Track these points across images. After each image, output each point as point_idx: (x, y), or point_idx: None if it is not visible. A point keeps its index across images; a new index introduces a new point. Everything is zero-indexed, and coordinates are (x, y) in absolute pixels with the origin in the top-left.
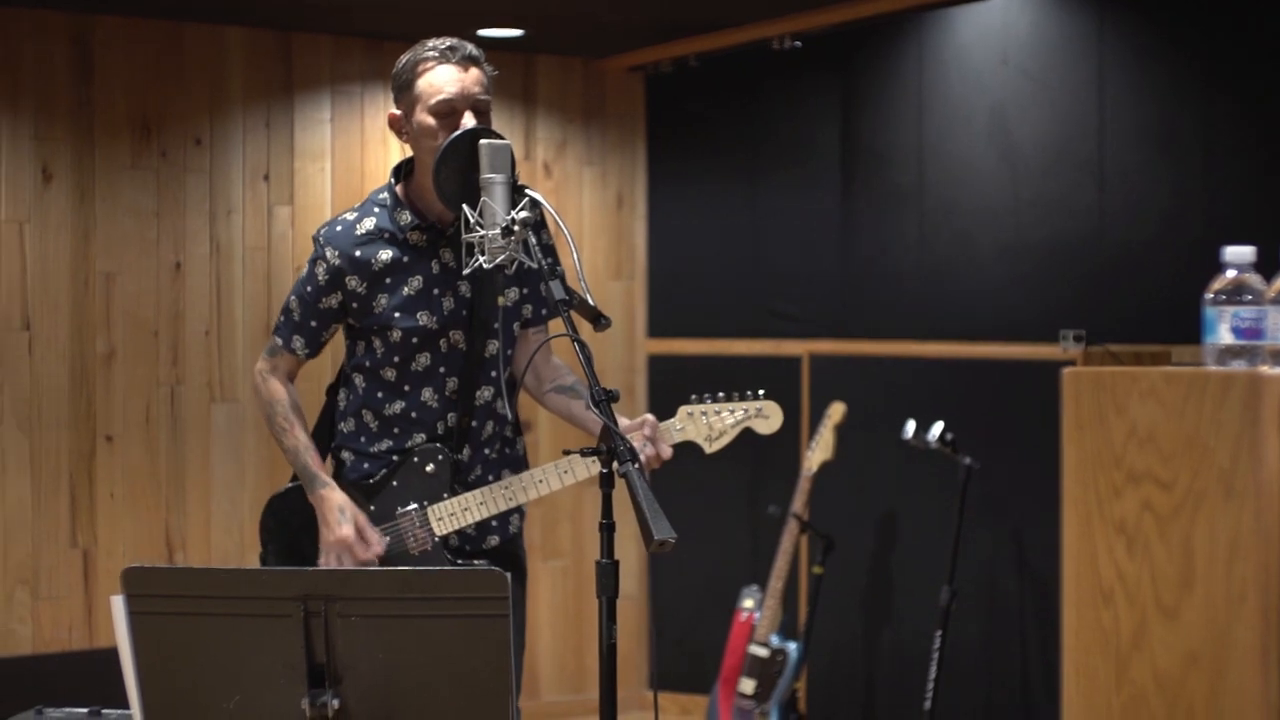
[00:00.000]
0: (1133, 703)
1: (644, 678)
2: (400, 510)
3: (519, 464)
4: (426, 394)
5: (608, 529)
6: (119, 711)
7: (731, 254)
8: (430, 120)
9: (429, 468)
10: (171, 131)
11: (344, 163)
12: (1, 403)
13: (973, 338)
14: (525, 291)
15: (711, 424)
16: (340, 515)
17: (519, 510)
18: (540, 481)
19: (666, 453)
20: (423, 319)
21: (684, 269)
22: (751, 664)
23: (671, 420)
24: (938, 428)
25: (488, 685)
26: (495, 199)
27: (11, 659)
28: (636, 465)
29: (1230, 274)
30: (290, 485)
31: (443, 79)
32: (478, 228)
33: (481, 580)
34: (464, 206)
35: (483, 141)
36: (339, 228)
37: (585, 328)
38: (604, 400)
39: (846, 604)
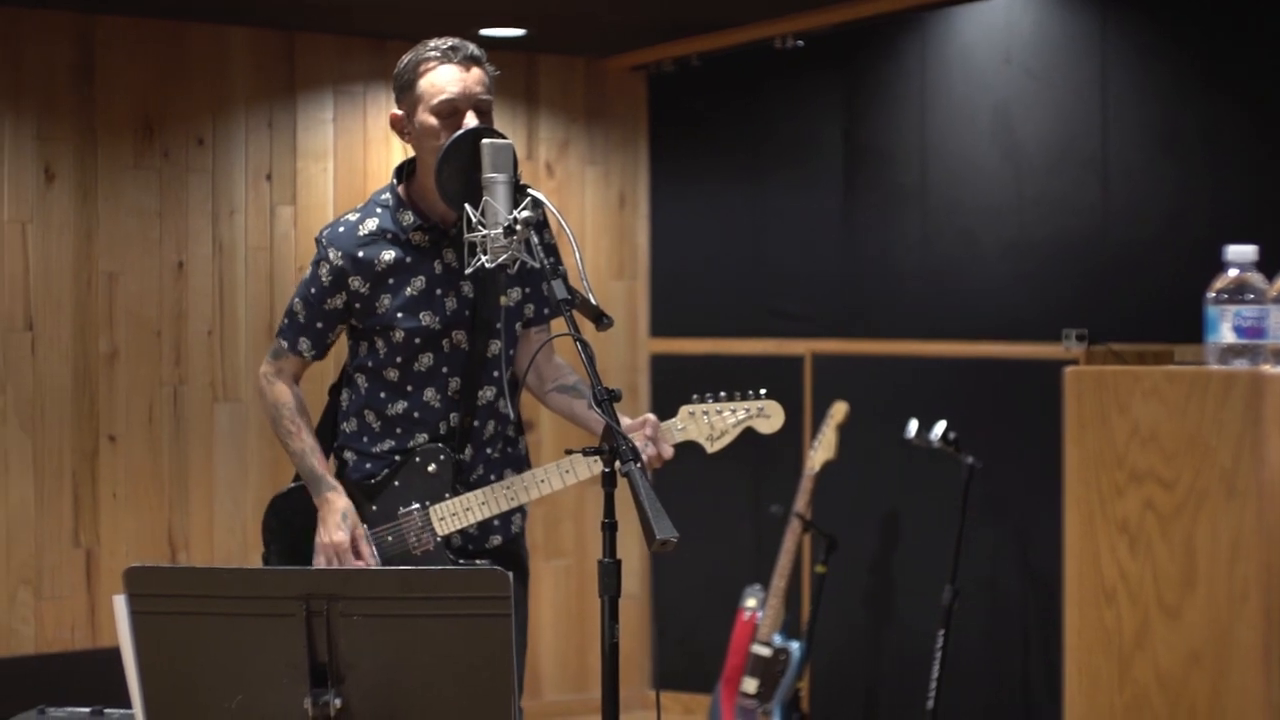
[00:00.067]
0: (1135, 702)
1: (647, 677)
2: (402, 510)
3: (521, 463)
4: (429, 394)
5: (610, 528)
6: (121, 711)
7: (734, 253)
8: (432, 120)
9: (431, 468)
10: (174, 131)
11: (347, 162)
12: (4, 402)
13: (975, 337)
14: (527, 291)
15: (713, 423)
16: (341, 520)
17: (521, 510)
18: (542, 481)
19: (668, 452)
20: (425, 319)
21: (686, 268)
22: (754, 663)
23: (673, 420)
24: (940, 427)
25: (490, 684)
26: (497, 198)
27: (14, 659)
28: (638, 464)
29: (1232, 273)
30: (293, 485)
31: (445, 79)
32: (480, 227)
33: (483, 580)
34: (466, 206)
35: (485, 141)
36: (342, 229)
37: (587, 327)
38: (606, 400)
39: (849, 603)
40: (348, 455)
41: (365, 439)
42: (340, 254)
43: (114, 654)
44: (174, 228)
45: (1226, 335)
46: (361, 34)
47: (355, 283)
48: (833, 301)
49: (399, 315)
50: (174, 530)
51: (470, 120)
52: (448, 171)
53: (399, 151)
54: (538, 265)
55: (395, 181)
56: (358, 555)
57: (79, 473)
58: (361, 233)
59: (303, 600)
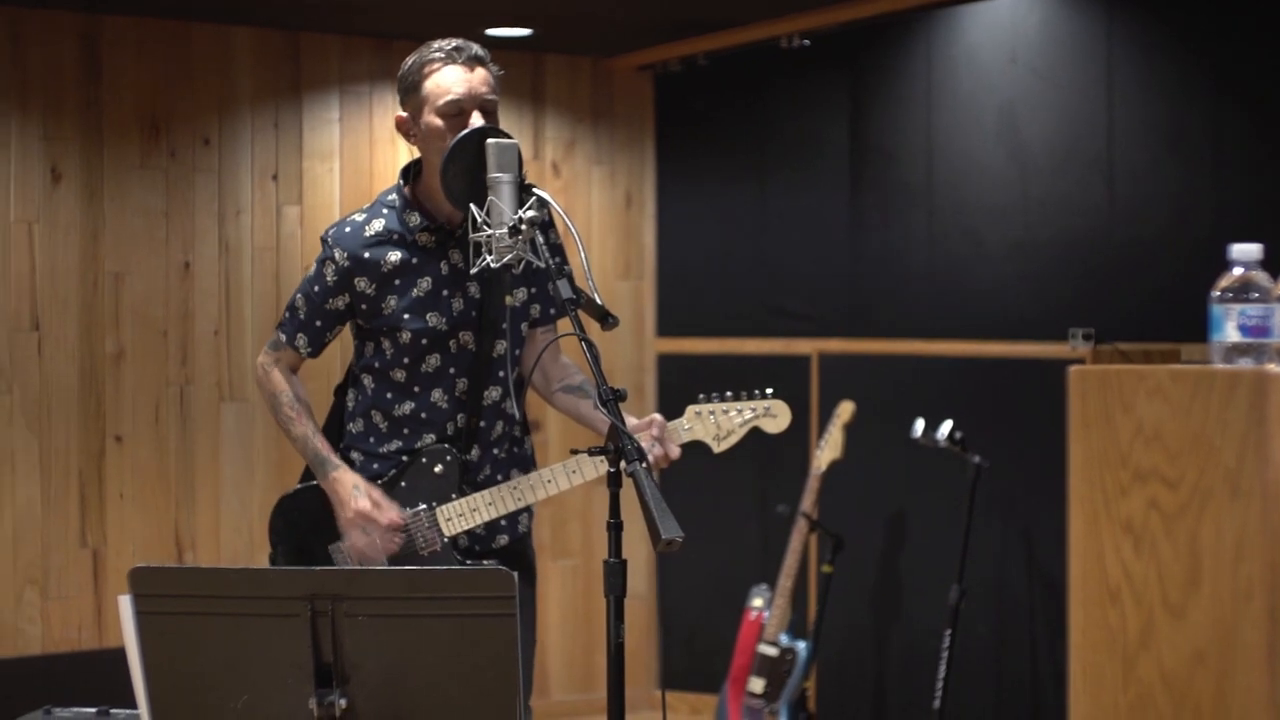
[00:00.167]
0: (1139, 701)
1: (654, 677)
2: (409, 511)
3: (527, 463)
4: (436, 395)
5: (616, 528)
6: (127, 711)
7: (741, 253)
8: (438, 121)
9: (437, 468)
10: (180, 131)
11: (352, 162)
12: (11, 403)
13: (982, 336)
14: (533, 291)
15: (719, 423)
16: (355, 491)
17: (528, 510)
18: (549, 481)
19: (675, 452)
20: (432, 320)
21: (693, 268)
22: (761, 663)
23: (679, 420)
24: (947, 426)
25: (495, 685)
26: (502, 198)
27: (21, 659)
28: (644, 464)
29: (1237, 271)
30: (299, 487)
31: (449, 80)
32: (485, 227)
33: (488, 580)
34: (471, 206)
35: (490, 141)
36: (348, 229)
37: (593, 327)
38: (611, 399)
39: (856, 603)
40: (354, 456)
41: (372, 439)
42: (346, 254)
43: (120, 654)
44: (180, 228)
45: (1231, 334)
46: (367, 34)
47: (361, 283)
48: (839, 301)
49: (405, 316)
50: (180, 530)
51: (476, 120)
52: (453, 172)
53: (404, 151)
54: (543, 265)
55: (402, 182)
56: (383, 513)
57: (85, 473)
58: (368, 233)
59: (308, 600)
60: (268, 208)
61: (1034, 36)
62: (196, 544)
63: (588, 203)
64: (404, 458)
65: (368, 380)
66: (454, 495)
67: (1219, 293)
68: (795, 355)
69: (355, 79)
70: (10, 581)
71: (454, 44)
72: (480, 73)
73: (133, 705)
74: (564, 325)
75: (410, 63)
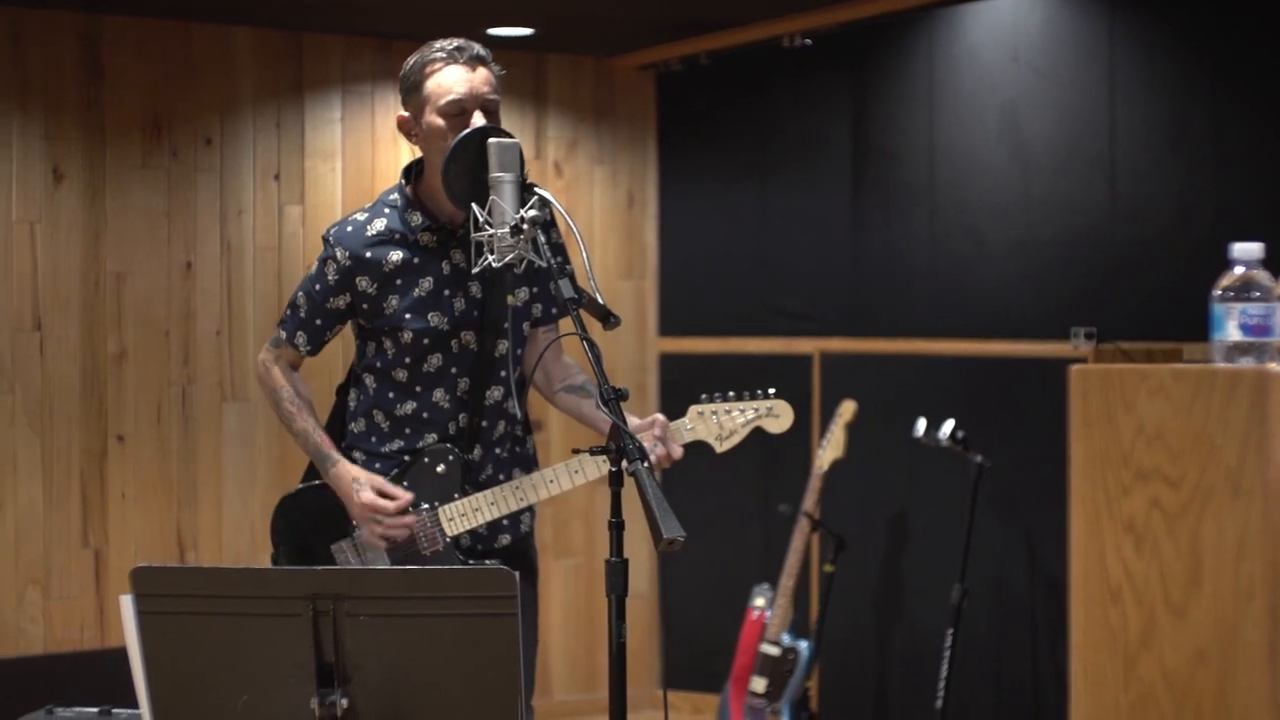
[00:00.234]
0: (1141, 701)
1: (656, 676)
2: (412, 511)
3: (529, 463)
4: (438, 394)
5: (617, 527)
6: (129, 711)
7: (742, 252)
8: (439, 121)
9: (440, 468)
10: (182, 131)
11: (354, 162)
12: (13, 403)
13: (984, 335)
14: (535, 290)
15: (722, 423)
16: (356, 484)
17: (530, 509)
18: (551, 481)
19: (677, 452)
20: (434, 320)
21: (695, 267)
22: (763, 663)
23: (682, 420)
24: (949, 426)
25: (496, 684)
26: (504, 198)
27: (23, 659)
28: (645, 464)
29: (1238, 270)
30: (301, 486)
31: (451, 79)
32: (487, 226)
33: (489, 579)
34: (473, 206)
35: (491, 140)
36: (349, 228)
37: (595, 326)
38: (613, 399)
39: (858, 602)
40: (356, 455)
41: (374, 439)
42: (347, 254)
43: (123, 654)
44: (182, 228)
45: (1232, 333)
46: (369, 34)
47: (362, 283)
48: (841, 300)
49: (407, 316)
50: (183, 530)
51: (477, 120)
52: (455, 171)
53: (407, 151)
54: (545, 264)
55: (403, 182)
56: (393, 498)
57: (87, 473)
58: (369, 233)
59: (309, 600)
60: (269, 207)
61: (1036, 36)
62: (198, 544)
63: (590, 202)
64: (406, 457)
65: (370, 380)
66: (456, 495)
67: (1220, 292)
68: (797, 355)
69: (357, 79)
70: (12, 581)
71: (456, 44)
72: (482, 72)
73: (135, 705)
74: (566, 325)
75: (412, 62)
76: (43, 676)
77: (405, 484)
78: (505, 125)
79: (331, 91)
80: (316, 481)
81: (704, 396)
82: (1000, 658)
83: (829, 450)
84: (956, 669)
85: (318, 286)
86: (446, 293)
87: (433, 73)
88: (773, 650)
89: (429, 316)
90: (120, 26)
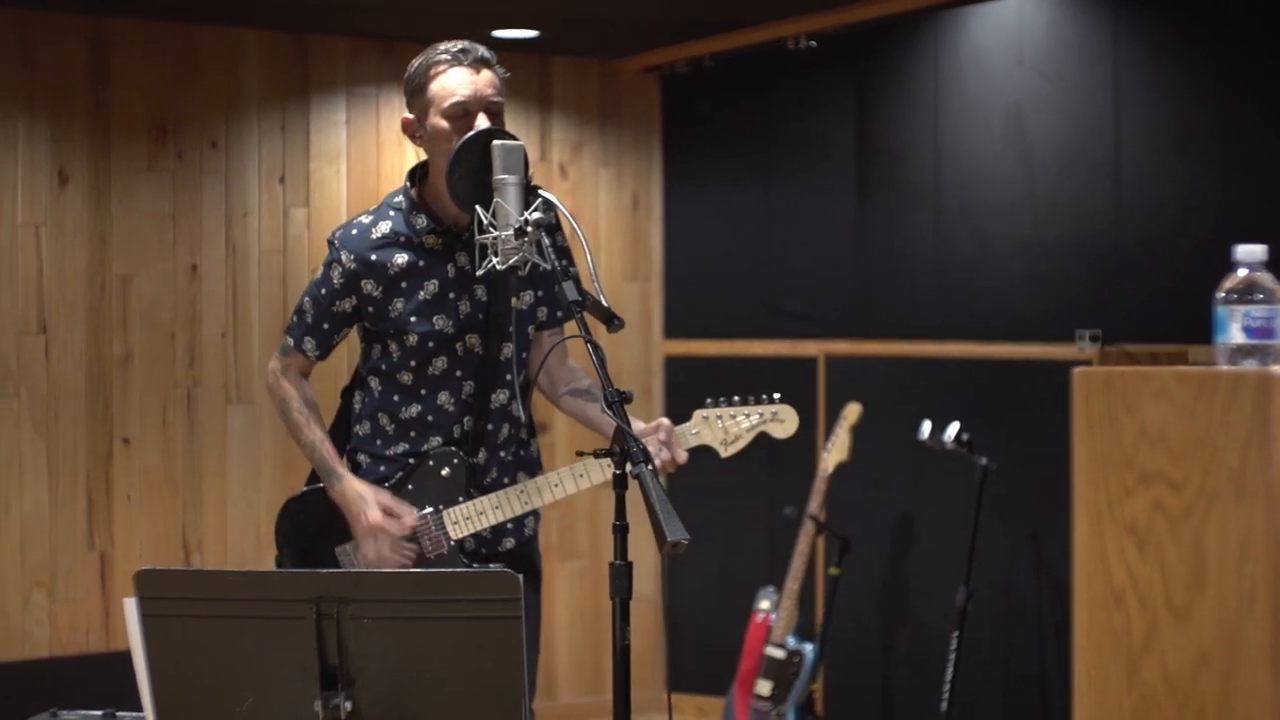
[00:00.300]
0: (1144, 703)
1: (662, 679)
2: (416, 514)
3: (534, 466)
4: (443, 397)
5: (621, 530)
6: (133, 714)
7: (747, 254)
8: (444, 123)
9: (444, 471)
10: (187, 134)
11: (360, 164)
12: (19, 405)
13: (989, 338)
14: (540, 294)
15: (727, 428)
16: (362, 503)
17: (534, 513)
18: (556, 484)
19: (682, 457)
20: (439, 323)
21: (700, 270)
22: (768, 665)
23: (687, 424)
24: (954, 428)
25: (500, 687)
26: (508, 200)
27: (28, 661)
28: (650, 467)
29: (1241, 273)
30: (305, 489)
31: (455, 81)
32: (491, 229)
33: (493, 582)
34: (477, 208)
35: (495, 143)
36: (354, 231)
37: (599, 329)
38: (617, 402)
39: (863, 605)
40: (361, 458)
41: (379, 442)
42: (353, 257)
43: (128, 657)
44: (187, 230)
45: (1236, 335)
46: (374, 36)
47: (368, 286)
48: (846, 302)
49: (412, 319)
50: (188, 532)
51: (481, 122)
52: (459, 174)
53: (411, 153)
54: (549, 267)
55: (408, 184)
56: (398, 519)
57: (93, 475)
58: (374, 236)
59: (313, 603)
60: (275, 210)
61: (1041, 38)
62: (204, 546)
63: (595, 204)
64: (411, 460)
65: (374, 383)
66: (461, 498)
67: (1223, 294)
68: (802, 357)
69: (362, 81)
70: (18, 584)
71: (460, 46)
72: (486, 75)
73: (140, 708)
74: (570, 327)
75: (416, 64)
76: (48, 679)
77: (410, 487)
78: (510, 127)
79: (336, 94)
80: (321, 484)
81: (709, 401)
82: (1005, 660)
83: (834, 453)
84: (961, 671)
85: (324, 291)
86: (452, 295)
87: (437, 75)
88: (778, 653)
89: (434, 319)
90: (126, 29)
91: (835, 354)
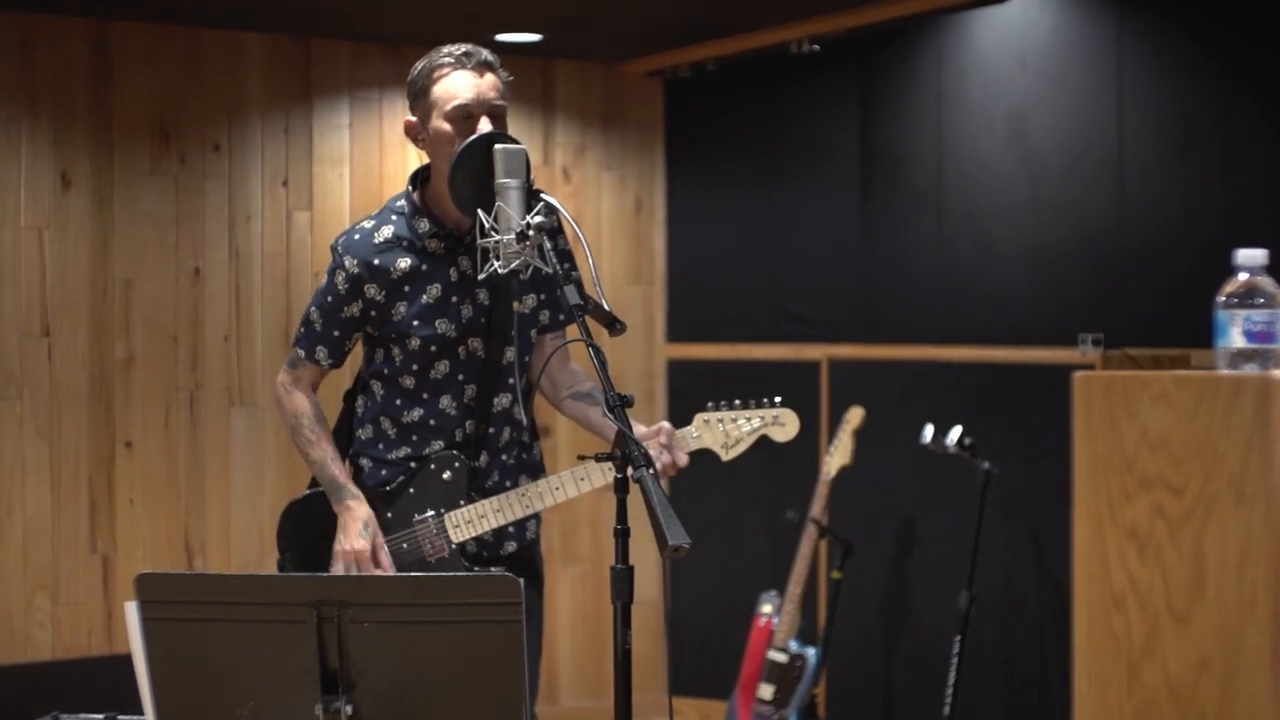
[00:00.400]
0: (1144, 708)
1: (663, 683)
2: (417, 517)
3: (536, 470)
4: (445, 401)
5: (622, 535)
6: (134, 718)
7: (750, 258)
8: (446, 126)
9: (446, 475)
10: (190, 137)
11: (363, 168)
12: (21, 409)
13: (992, 342)
14: (542, 297)
15: (728, 431)
16: (363, 529)
17: (536, 516)
18: (557, 488)
19: (683, 460)
20: (441, 327)
21: (703, 273)
22: (770, 669)
23: (688, 428)
24: (956, 432)
25: (501, 691)
26: (510, 204)
27: (31, 665)
28: (651, 471)
29: (1242, 277)
30: (308, 492)
31: (458, 85)
32: (493, 233)
33: (493, 586)
34: (479, 212)
35: (497, 146)
36: (357, 236)
37: (601, 333)
38: (618, 406)
39: (865, 609)
40: (363, 462)
41: (381, 446)
42: (356, 262)
43: (130, 660)
44: (190, 234)
45: (1236, 340)
46: (377, 39)
47: (371, 290)
48: (849, 306)
49: (415, 323)
50: (190, 536)
51: (484, 126)
52: (461, 177)
53: (415, 157)
54: (551, 271)
55: (410, 188)
56: (376, 564)
57: (95, 479)
58: (377, 240)
59: (314, 607)
60: (278, 213)
61: (1044, 41)
62: (207, 549)
63: (598, 208)
64: (412, 464)
65: (377, 386)
66: (462, 502)
67: (1224, 298)
68: (805, 361)
69: (365, 84)
70: (20, 587)
71: (463, 49)
72: (489, 78)
73: (142, 711)
74: (573, 331)
75: (419, 67)
76: (50, 682)
77: (411, 490)
78: (513, 131)
79: (340, 97)
80: (322, 488)
81: (710, 404)
82: (1008, 664)
83: (836, 457)
84: (964, 675)
85: (330, 298)
86: (454, 299)
87: (440, 78)
88: (780, 657)
89: (436, 323)
90: (129, 32)
91: (838, 358)
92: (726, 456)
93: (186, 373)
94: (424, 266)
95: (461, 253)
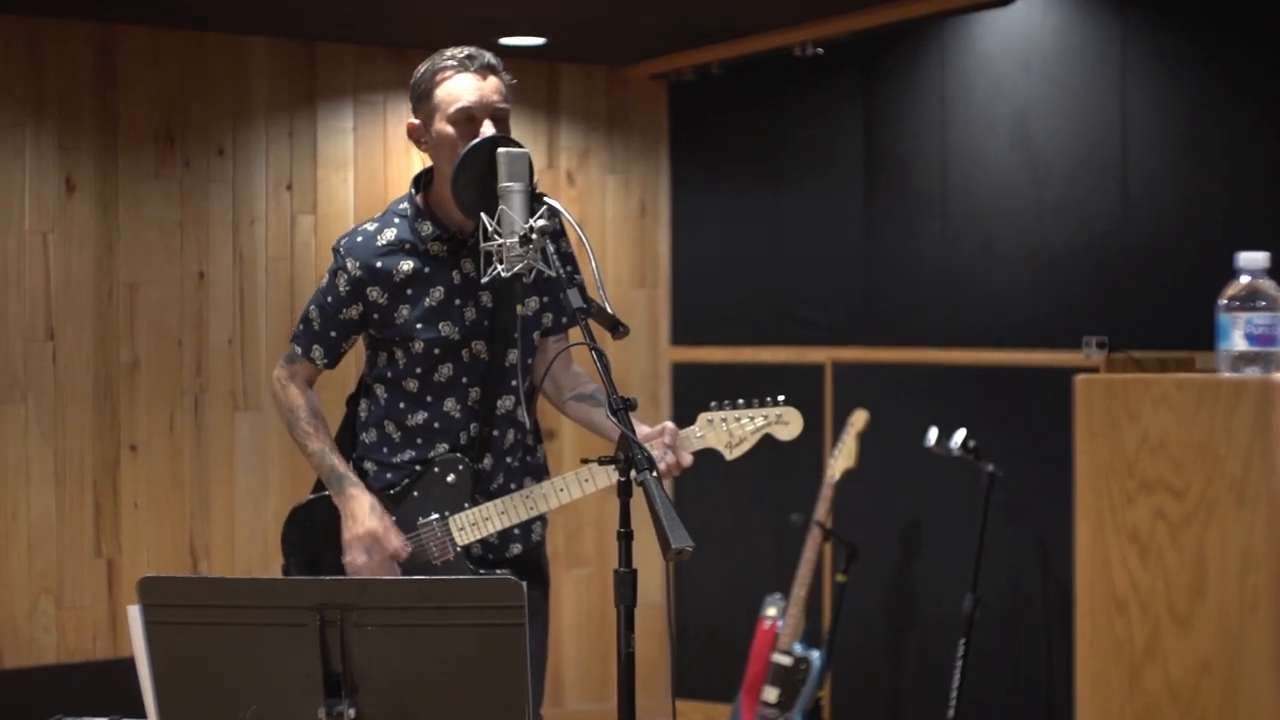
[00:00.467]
0: (1146, 712)
1: (668, 686)
2: (422, 521)
3: (540, 472)
4: (449, 404)
5: (625, 537)
6: None
7: (755, 261)
8: (449, 129)
9: (450, 478)
10: (195, 141)
11: (367, 172)
12: (26, 412)
13: (996, 344)
14: (545, 300)
15: (732, 430)
16: (370, 511)
17: (541, 518)
18: (562, 490)
19: (687, 460)
20: (444, 330)
21: (707, 276)
22: (775, 672)
23: (692, 427)
24: (960, 435)
25: (505, 694)
26: (513, 207)
27: (35, 668)
28: (654, 473)
29: (1244, 280)
30: (311, 497)
31: (461, 88)
32: (496, 236)
33: (497, 589)
34: (482, 215)
35: (500, 150)
36: (359, 238)
37: (604, 336)
38: (622, 408)
39: (870, 612)
40: (367, 466)
41: (385, 449)
42: (358, 264)
43: (135, 664)
44: (195, 237)
45: (1238, 343)
46: (381, 43)
47: (373, 293)
48: (853, 309)
49: (418, 326)
50: (195, 539)
51: (487, 129)
52: (464, 180)
53: (419, 161)
54: (554, 274)
55: (413, 191)
56: (389, 544)
57: (100, 482)
58: (379, 243)
59: (317, 610)
60: (282, 217)
61: (1048, 44)
62: (211, 553)
63: (602, 211)
64: (417, 467)
65: (380, 390)
66: (467, 504)
67: (1225, 301)
68: (809, 364)
69: (370, 88)
70: (25, 591)
71: (466, 52)
72: (492, 81)
73: (145, 715)
74: (576, 334)
75: (422, 70)
76: (55, 686)
77: (416, 493)
78: (517, 135)
79: (344, 101)
80: (328, 492)
81: (714, 404)
82: (1013, 667)
83: (841, 459)
84: (969, 678)
85: (330, 298)
86: (457, 302)
87: (443, 80)
88: (785, 660)
89: (440, 326)
90: (134, 36)
91: (842, 361)
92: (731, 456)
93: (191, 376)
94: (426, 269)
95: (464, 255)
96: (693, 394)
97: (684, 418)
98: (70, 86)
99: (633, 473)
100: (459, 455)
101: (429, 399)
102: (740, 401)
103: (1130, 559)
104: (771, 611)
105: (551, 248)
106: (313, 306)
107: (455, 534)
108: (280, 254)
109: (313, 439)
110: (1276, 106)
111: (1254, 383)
